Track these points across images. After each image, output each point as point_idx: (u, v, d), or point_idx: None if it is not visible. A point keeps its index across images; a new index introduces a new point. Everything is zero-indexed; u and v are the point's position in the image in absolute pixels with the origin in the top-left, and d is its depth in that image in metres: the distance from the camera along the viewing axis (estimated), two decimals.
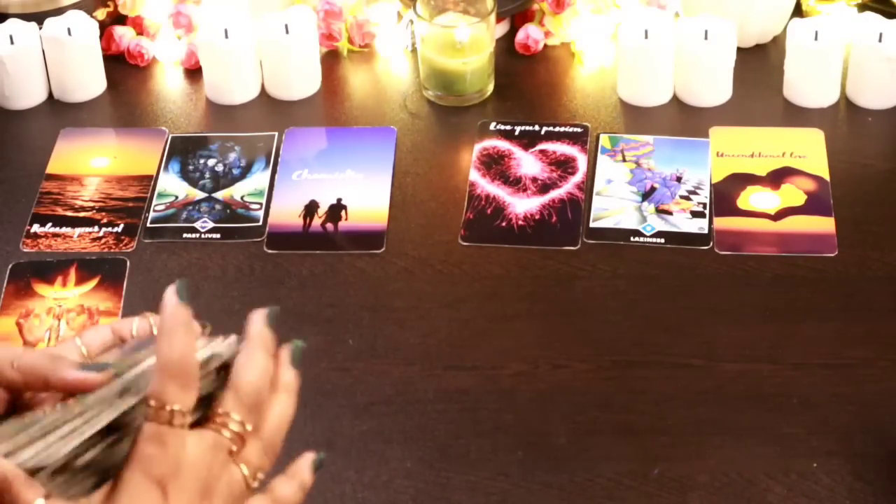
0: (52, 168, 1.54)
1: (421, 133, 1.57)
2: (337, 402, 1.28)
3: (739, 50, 1.58)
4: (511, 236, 1.43)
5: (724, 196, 1.46)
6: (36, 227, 1.46)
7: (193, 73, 1.65)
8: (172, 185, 1.51)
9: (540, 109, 1.59)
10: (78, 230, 1.46)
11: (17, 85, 1.61)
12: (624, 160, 1.51)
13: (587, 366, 1.30)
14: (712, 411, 1.25)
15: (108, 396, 0.73)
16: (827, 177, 1.48)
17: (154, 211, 1.48)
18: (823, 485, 1.18)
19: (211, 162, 1.53)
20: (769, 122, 1.55)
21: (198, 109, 1.61)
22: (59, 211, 1.48)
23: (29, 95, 1.62)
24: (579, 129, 1.55)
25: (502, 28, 1.68)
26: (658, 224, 1.43)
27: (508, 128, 1.56)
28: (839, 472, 1.19)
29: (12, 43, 1.59)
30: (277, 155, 1.54)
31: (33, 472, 0.71)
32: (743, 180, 1.48)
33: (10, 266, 1.42)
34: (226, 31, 1.58)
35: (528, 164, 1.51)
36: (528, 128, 1.55)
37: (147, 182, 1.51)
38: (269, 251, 1.43)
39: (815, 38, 1.54)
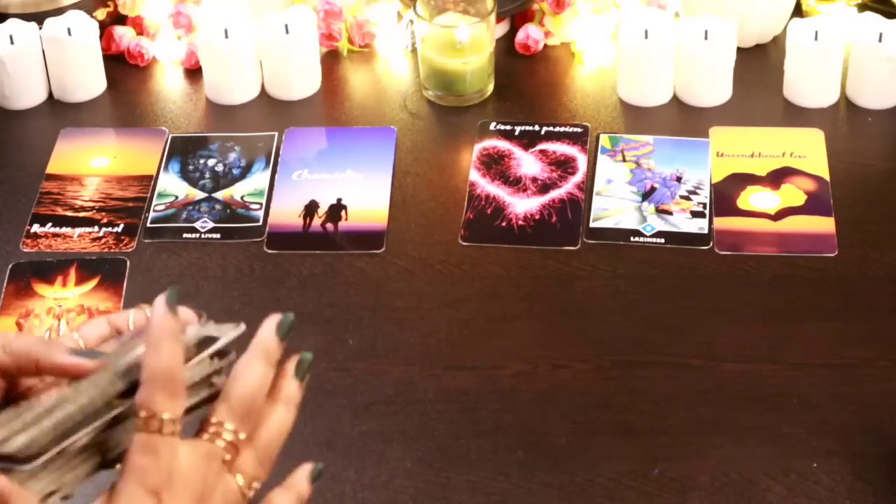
0: (52, 168, 1.54)
1: (421, 133, 1.57)
2: (337, 402, 1.28)
3: (739, 50, 1.58)
4: (511, 236, 1.43)
5: (724, 196, 1.46)
6: (36, 227, 1.46)
7: (193, 73, 1.65)
8: (172, 185, 1.51)
9: (540, 109, 1.59)
10: (78, 230, 1.46)
11: (17, 85, 1.61)
12: (624, 160, 1.51)
13: (587, 366, 1.30)
14: (712, 411, 1.25)
15: (101, 383, 0.74)
16: (827, 177, 1.48)
17: (154, 211, 1.48)
18: (823, 485, 1.18)
19: (211, 162, 1.53)
20: (769, 122, 1.55)
21: (198, 109, 1.61)
22: (59, 211, 1.48)
23: (29, 95, 1.62)
24: (579, 129, 1.55)
25: (502, 28, 1.68)
26: (658, 224, 1.43)
27: (508, 128, 1.56)
28: (839, 472, 1.19)
29: (12, 43, 1.59)
30: (277, 155, 1.54)
31: (29, 459, 0.71)
32: (743, 180, 1.48)
33: (10, 266, 1.42)
34: (226, 31, 1.58)
35: (528, 164, 1.51)
36: (528, 128, 1.55)
37: (147, 182, 1.51)
38: (269, 251, 1.43)
39: (815, 38, 1.54)
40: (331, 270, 1.41)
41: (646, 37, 1.55)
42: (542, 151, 1.52)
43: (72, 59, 1.61)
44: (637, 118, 1.57)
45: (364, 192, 1.49)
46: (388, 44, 1.67)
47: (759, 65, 1.62)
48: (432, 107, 1.60)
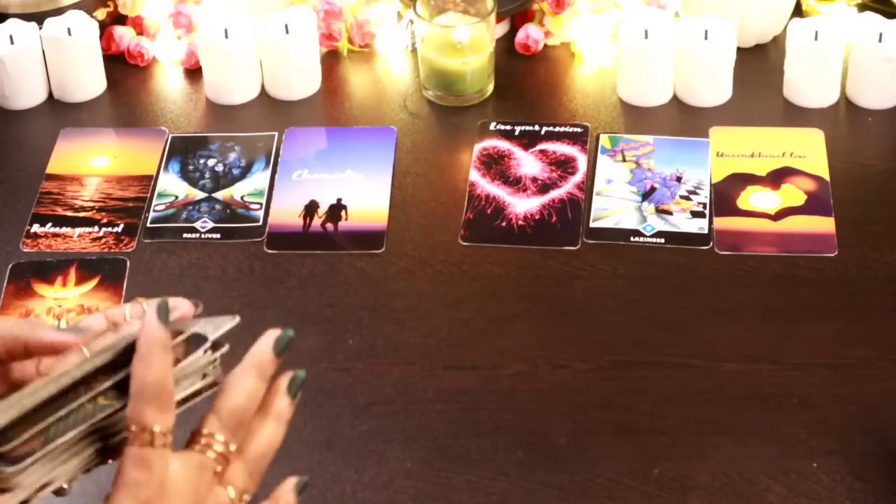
0: (52, 168, 1.54)
1: (421, 133, 1.57)
2: (337, 402, 1.28)
3: (739, 50, 1.58)
4: (511, 236, 1.43)
5: (724, 196, 1.46)
6: (36, 227, 1.46)
7: (193, 73, 1.65)
8: (172, 185, 1.51)
9: (540, 109, 1.59)
10: (78, 230, 1.46)
11: (17, 85, 1.61)
12: (624, 160, 1.51)
13: (587, 366, 1.30)
14: (712, 411, 1.25)
15: (76, 360, 0.74)
16: (827, 177, 1.48)
17: (154, 211, 1.48)
18: (823, 485, 1.18)
19: (211, 162, 1.53)
20: (769, 122, 1.55)
21: (198, 109, 1.61)
22: (59, 211, 1.48)
23: (29, 95, 1.62)
24: (579, 129, 1.55)
25: (502, 28, 1.68)
26: (658, 224, 1.43)
27: (508, 128, 1.56)
28: (839, 472, 1.19)
29: (12, 43, 1.59)
30: (277, 155, 1.54)
31: (16, 461, 0.71)
32: (743, 180, 1.48)
33: (10, 266, 1.42)
34: (226, 31, 1.58)
35: (528, 164, 1.51)
36: (528, 128, 1.55)
37: (147, 182, 1.51)
38: (269, 251, 1.43)
39: (815, 38, 1.54)
40: (331, 270, 1.41)
41: (646, 37, 1.55)
42: (542, 151, 1.52)
43: (72, 59, 1.61)
44: (637, 118, 1.57)
45: (364, 192, 1.49)
46: (388, 44, 1.67)
47: (759, 65, 1.62)
48: (432, 107, 1.60)
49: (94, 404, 0.74)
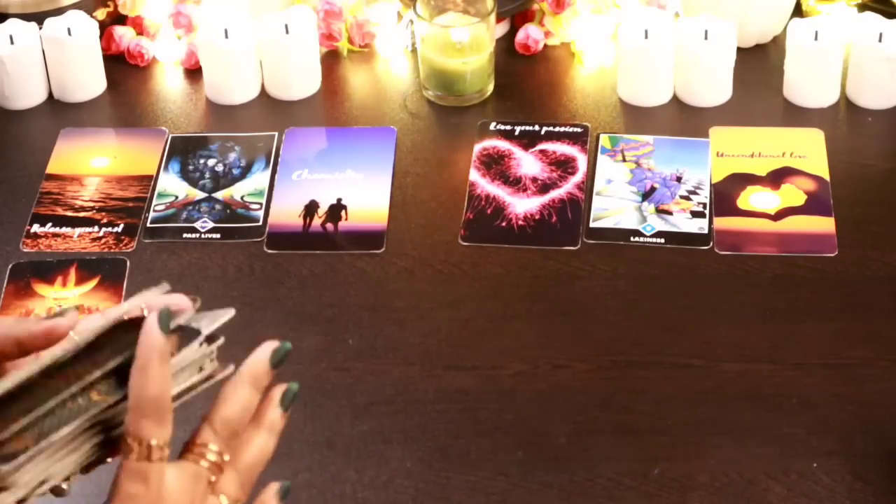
0: (52, 168, 1.54)
1: (421, 133, 1.57)
2: (337, 402, 1.28)
3: (739, 50, 1.58)
4: (511, 236, 1.43)
5: (724, 196, 1.46)
6: (36, 227, 1.46)
7: (193, 73, 1.65)
8: (172, 185, 1.51)
9: (540, 109, 1.59)
10: (78, 230, 1.46)
11: (17, 85, 1.61)
12: (624, 160, 1.51)
13: (587, 366, 1.30)
14: (712, 411, 1.25)
15: (61, 344, 0.74)
16: (827, 177, 1.48)
17: (154, 211, 1.48)
18: (823, 485, 1.18)
19: (211, 162, 1.53)
20: (769, 122, 1.55)
21: (198, 109, 1.61)
22: (59, 211, 1.48)
23: (29, 95, 1.62)
24: (579, 129, 1.55)
25: (502, 28, 1.68)
26: (658, 224, 1.43)
27: (508, 128, 1.56)
28: (839, 472, 1.19)
29: (12, 43, 1.59)
30: (277, 155, 1.54)
31: (7, 459, 0.71)
32: (743, 180, 1.48)
33: (10, 266, 1.42)
34: (226, 31, 1.58)
35: (528, 164, 1.51)
36: (528, 128, 1.55)
37: (147, 182, 1.52)
38: (269, 251, 1.43)
39: (815, 38, 1.54)
40: (331, 270, 1.41)
41: (646, 37, 1.55)
42: (542, 151, 1.52)
43: (72, 59, 1.61)
44: (637, 118, 1.57)
45: (364, 192, 1.49)
46: (388, 44, 1.67)
47: (759, 65, 1.62)
48: (432, 107, 1.60)
49: (86, 398, 0.73)
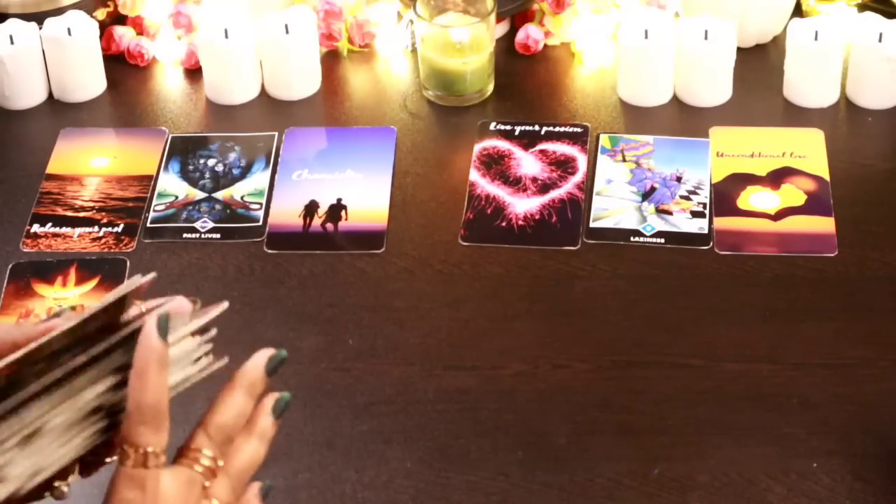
0: (52, 168, 1.54)
1: (421, 133, 1.57)
2: (337, 402, 1.28)
3: (739, 50, 1.58)
4: (511, 236, 1.43)
5: (724, 196, 1.46)
6: (36, 227, 1.46)
7: (193, 73, 1.65)
8: (172, 185, 1.51)
9: (540, 109, 1.59)
10: (78, 230, 1.46)
11: (17, 85, 1.61)
12: (624, 160, 1.51)
13: (587, 366, 1.30)
14: (712, 411, 1.25)
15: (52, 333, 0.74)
16: (827, 177, 1.48)
17: (154, 211, 1.48)
18: (823, 485, 1.18)
19: (211, 162, 1.53)
20: (769, 122, 1.55)
21: (198, 109, 1.61)
22: (59, 211, 1.48)
23: (29, 95, 1.62)
24: (579, 129, 1.55)
25: (502, 28, 1.68)
26: (658, 224, 1.43)
27: (508, 128, 1.56)
28: (839, 472, 1.19)
29: (12, 43, 1.59)
30: (277, 155, 1.54)
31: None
32: (743, 180, 1.48)
33: (10, 266, 1.42)
34: (226, 31, 1.58)
35: (528, 164, 1.51)
36: (528, 128, 1.55)
37: (147, 182, 1.51)
38: (269, 251, 1.43)
39: (815, 38, 1.54)
40: (331, 270, 1.41)
41: (646, 37, 1.55)
42: (542, 151, 1.52)
43: (72, 59, 1.61)
44: (637, 118, 1.57)
45: (364, 192, 1.49)
46: (388, 44, 1.67)
47: (759, 65, 1.62)
48: (432, 107, 1.60)
49: (71, 385, 0.73)
